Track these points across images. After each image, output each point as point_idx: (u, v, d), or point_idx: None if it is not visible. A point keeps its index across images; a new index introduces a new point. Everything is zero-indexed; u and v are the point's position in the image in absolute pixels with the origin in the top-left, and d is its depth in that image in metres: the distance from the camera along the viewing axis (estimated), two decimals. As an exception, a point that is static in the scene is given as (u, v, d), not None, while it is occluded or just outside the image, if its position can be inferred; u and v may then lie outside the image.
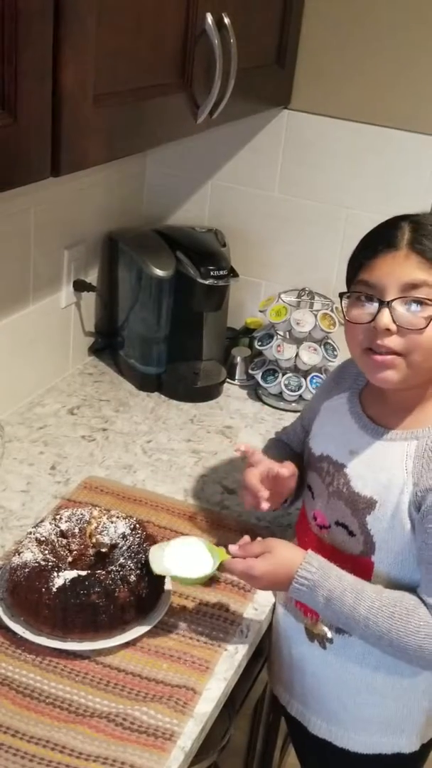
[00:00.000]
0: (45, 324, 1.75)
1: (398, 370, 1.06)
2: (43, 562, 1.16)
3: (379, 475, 1.11)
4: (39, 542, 1.20)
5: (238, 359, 1.94)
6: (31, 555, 1.17)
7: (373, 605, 1.08)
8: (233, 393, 1.91)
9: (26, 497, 1.45)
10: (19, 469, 1.53)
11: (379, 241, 1.07)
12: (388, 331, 1.04)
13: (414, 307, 1.04)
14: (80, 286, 1.81)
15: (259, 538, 1.16)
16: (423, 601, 1.09)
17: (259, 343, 1.87)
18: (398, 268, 1.04)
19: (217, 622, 1.21)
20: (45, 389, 1.80)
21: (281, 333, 1.84)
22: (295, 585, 1.10)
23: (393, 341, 1.05)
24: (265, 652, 1.35)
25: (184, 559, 1.17)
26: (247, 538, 1.17)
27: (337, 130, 1.81)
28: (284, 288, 1.88)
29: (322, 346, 1.83)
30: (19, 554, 1.18)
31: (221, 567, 1.15)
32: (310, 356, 1.82)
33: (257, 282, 1.99)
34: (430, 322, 1.03)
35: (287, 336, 1.83)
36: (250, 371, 1.90)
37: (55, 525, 1.24)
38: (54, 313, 1.77)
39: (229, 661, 1.16)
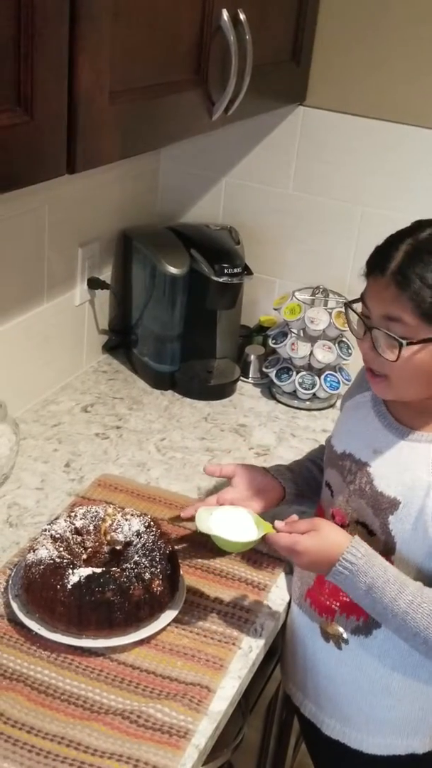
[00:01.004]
0: (59, 322, 1.75)
1: (388, 388, 1.09)
2: (58, 559, 1.16)
3: (403, 475, 1.10)
4: (54, 539, 1.21)
5: (252, 357, 1.94)
6: (46, 552, 1.17)
7: (414, 600, 1.06)
8: (247, 391, 1.91)
9: (41, 494, 1.46)
10: (33, 466, 1.53)
11: (375, 260, 1.06)
12: (368, 354, 1.07)
13: (389, 338, 1.04)
14: (94, 284, 1.81)
15: (296, 517, 1.16)
16: None
17: (273, 341, 1.86)
18: (380, 296, 1.04)
19: (231, 620, 1.21)
20: (59, 387, 1.80)
21: (295, 331, 1.83)
22: (338, 568, 1.08)
23: (375, 363, 1.07)
24: (278, 651, 1.35)
25: (229, 524, 1.16)
26: (294, 516, 1.16)
27: (352, 126, 1.80)
28: (298, 286, 1.88)
29: (337, 345, 1.82)
30: (34, 551, 1.19)
31: (264, 539, 1.14)
32: (324, 354, 1.81)
33: (271, 280, 1.99)
34: (398, 357, 1.03)
35: (301, 334, 1.83)
36: (263, 369, 1.90)
37: (70, 522, 1.24)
38: (68, 311, 1.78)
39: (243, 659, 1.16)
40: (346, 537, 1.11)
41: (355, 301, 1.09)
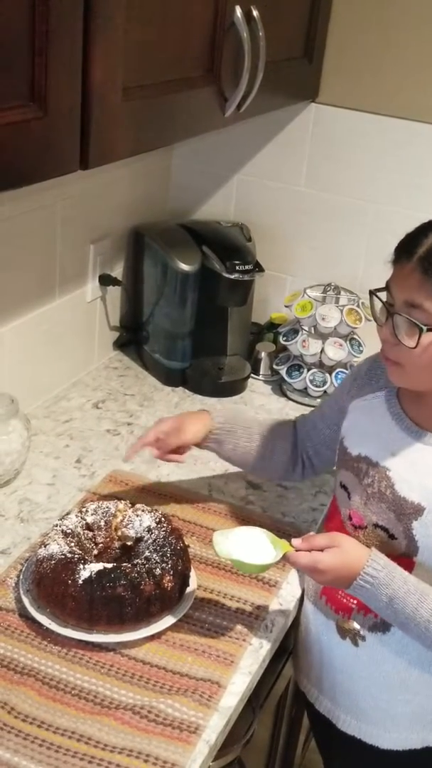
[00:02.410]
0: (70, 318, 1.75)
1: (403, 377, 1.09)
2: (69, 555, 1.16)
3: (425, 480, 1.10)
4: (65, 534, 1.21)
5: (263, 354, 1.94)
6: (57, 547, 1.18)
7: None
8: (258, 388, 1.90)
9: (52, 490, 1.46)
10: (45, 462, 1.54)
11: (403, 246, 1.06)
12: (388, 341, 1.07)
13: (410, 325, 1.04)
14: (106, 281, 1.82)
15: (314, 533, 1.16)
16: None
17: (284, 339, 1.86)
18: (404, 282, 1.04)
19: (242, 617, 1.21)
20: (70, 383, 1.81)
21: (306, 328, 1.83)
22: (360, 582, 1.08)
23: (390, 350, 1.07)
24: (289, 648, 1.35)
25: (247, 546, 1.15)
26: (312, 532, 1.17)
27: (365, 124, 1.80)
28: (310, 283, 1.87)
29: (348, 342, 1.82)
30: (45, 546, 1.19)
31: (284, 559, 1.13)
32: (335, 352, 1.81)
33: (282, 277, 1.99)
34: (418, 343, 1.03)
35: (312, 331, 1.83)
36: (274, 366, 1.90)
37: (81, 518, 1.24)
38: (79, 308, 1.78)
39: (253, 655, 1.16)
40: (365, 550, 1.10)
41: (381, 289, 1.09)
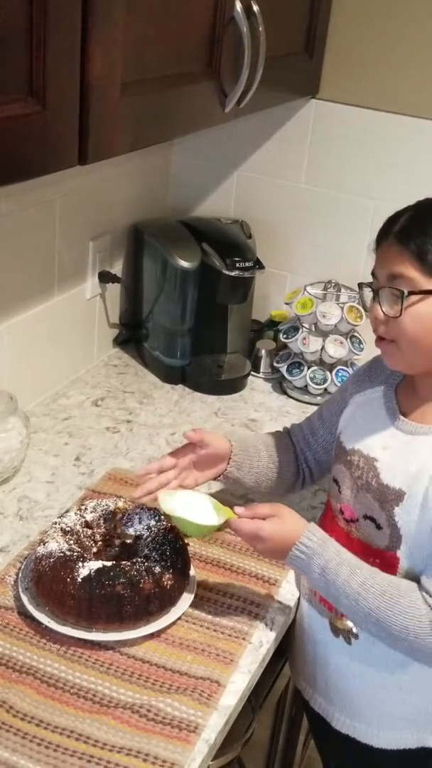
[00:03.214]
0: (70, 315, 1.75)
1: (396, 355, 1.10)
2: (68, 552, 1.16)
3: (409, 466, 1.10)
4: (64, 532, 1.20)
5: (263, 352, 1.93)
6: (56, 545, 1.17)
7: (366, 581, 1.08)
8: (258, 386, 1.90)
9: (51, 488, 1.46)
10: (44, 459, 1.53)
11: (380, 231, 1.10)
12: (377, 320, 1.09)
13: (392, 295, 1.06)
14: (105, 278, 1.81)
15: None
16: (423, 587, 1.08)
17: (285, 336, 1.85)
18: (385, 259, 1.08)
19: (241, 615, 1.20)
20: (70, 381, 1.80)
21: (307, 326, 1.82)
22: (295, 552, 1.10)
23: (382, 329, 1.09)
24: (288, 647, 1.34)
25: (191, 508, 1.15)
26: (255, 503, 1.17)
27: (366, 120, 1.79)
28: (310, 280, 1.87)
29: (349, 339, 1.81)
30: (44, 544, 1.18)
31: (226, 525, 1.14)
32: (336, 349, 1.80)
33: (283, 274, 1.98)
34: (402, 310, 1.05)
35: (313, 329, 1.82)
36: (275, 364, 1.89)
37: (80, 515, 1.24)
38: (79, 305, 1.77)
39: (253, 654, 1.15)
40: (303, 522, 1.13)
41: (369, 284, 1.12)
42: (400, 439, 1.13)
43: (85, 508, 1.25)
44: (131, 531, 1.23)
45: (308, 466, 1.36)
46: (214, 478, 1.29)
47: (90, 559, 1.16)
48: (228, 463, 1.28)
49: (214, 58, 1.29)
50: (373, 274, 1.11)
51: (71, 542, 1.19)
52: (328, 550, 1.11)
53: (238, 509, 1.14)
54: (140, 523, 1.24)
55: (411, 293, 1.04)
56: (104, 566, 1.14)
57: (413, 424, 1.13)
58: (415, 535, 1.10)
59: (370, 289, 1.11)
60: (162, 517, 1.25)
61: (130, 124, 1.12)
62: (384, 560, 1.13)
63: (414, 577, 1.11)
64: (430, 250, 1.03)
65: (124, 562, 1.15)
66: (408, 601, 1.07)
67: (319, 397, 1.83)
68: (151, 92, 1.15)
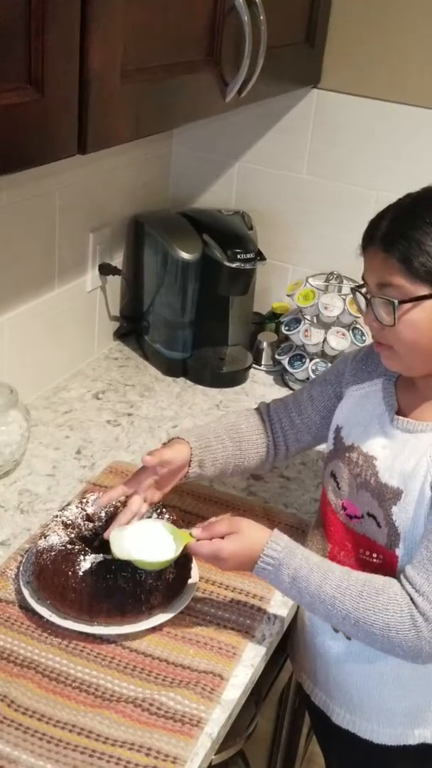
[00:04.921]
0: (70, 308, 1.74)
1: (395, 359, 1.09)
2: (69, 546, 1.15)
3: (405, 465, 1.09)
4: (65, 526, 1.20)
5: (265, 344, 1.92)
6: (57, 538, 1.16)
7: (341, 584, 1.06)
8: (259, 378, 1.89)
9: (52, 481, 1.45)
10: (44, 453, 1.52)
11: (365, 235, 1.08)
12: (373, 326, 1.07)
13: (385, 304, 1.04)
14: (106, 270, 1.80)
15: (223, 516, 1.15)
16: (407, 578, 1.05)
17: (287, 328, 1.84)
18: (372, 266, 1.06)
19: (244, 609, 1.20)
20: (70, 374, 1.79)
21: (309, 318, 1.81)
22: (261, 564, 1.08)
23: (378, 335, 1.08)
24: (289, 641, 1.34)
25: (147, 541, 1.13)
26: (212, 519, 1.15)
27: (368, 109, 1.78)
28: (312, 272, 1.86)
29: (351, 331, 1.80)
30: (45, 537, 1.18)
31: (186, 550, 1.12)
32: (338, 341, 1.79)
33: (284, 266, 1.97)
34: (395, 319, 1.03)
35: (315, 321, 1.81)
36: (276, 356, 1.88)
37: (82, 509, 1.23)
38: (79, 297, 1.76)
39: (256, 648, 1.15)
40: (266, 532, 1.10)
41: (361, 286, 1.10)
42: (399, 437, 1.12)
43: (87, 502, 1.24)
44: (133, 524, 1.22)
45: (286, 444, 1.33)
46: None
47: (91, 553, 1.15)
48: (189, 466, 1.24)
49: (215, 47, 1.27)
50: (363, 278, 1.09)
51: (72, 536, 1.18)
52: (295, 557, 1.08)
53: (195, 531, 1.12)
54: (142, 516, 1.23)
55: (402, 302, 1.02)
56: (105, 559, 1.13)
57: (412, 422, 1.11)
58: (412, 533, 1.08)
59: (362, 295, 1.09)
60: (163, 510, 1.24)
61: (130, 112, 1.11)
62: (385, 558, 1.12)
63: None
64: (415, 255, 1.00)
65: (125, 556, 1.14)
66: (387, 598, 1.04)
67: (321, 390, 1.82)
68: (151, 81, 1.14)
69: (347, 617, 1.06)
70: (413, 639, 1.03)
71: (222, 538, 1.10)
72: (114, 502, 1.24)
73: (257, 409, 1.36)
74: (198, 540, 1.11)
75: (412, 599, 1.04)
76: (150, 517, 1.22)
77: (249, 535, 1.10)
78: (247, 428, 1.31)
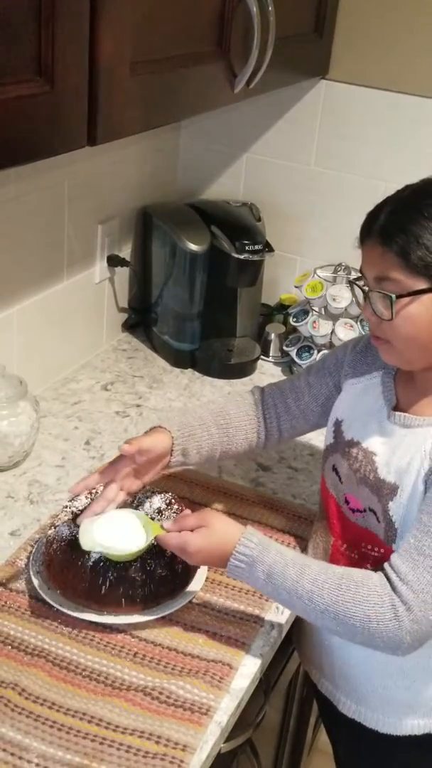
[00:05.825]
0: (79, 300, 1.74)
1: (393, 353, 1.08)
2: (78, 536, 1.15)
3: (401, 461, 1.09)
4: (75, 516, 1.20)
5: (273, 336, 1.92)
6: (67, 529, 1.17)
7: (318, 578, 1.04)
8: (267, 370, 1.89)
9: (61, 472, 1.46)
10: (54, 444, 1.53)
11: (362, 228, 1.07)
12: (371, 320, 1.07)
13: (382, 298, 1.03)
14: (114, 262, 1.80)
15: (189, 511, 1.15)
16: (392, 567, 1.03)
17: (294, 320, 1.84)
18: (370, 260, 1.05)
19: (252, 598, 1.20)
20: (79, 365, 1.80)
21: (317, 309, 1.81)
22: (234, 562, 1.06)
23: (376, 328, 1.07)
24: (296, 631, 1.34)
25: (116, 533, 1.13)
26: (187, 511, 1.15)
27: (376, 100, 1.77)
28: (320, 263, 1.85)
29: (359, 323, 1.80)
30: (55, 528, 1.19)
31: (155, 541, 1.12)
32: (346, 333, 1.79)
33: (292, 257, 1.97)
34: (393, 313, 1.02)
35: (323, 312, 1.81)
36: (284, 348, 1.88)
37: (91, 499, 1.24)
38: (88, 289, 1.77)
39: (264, 637, 1.15)
40: (237, 528, 1.08)
41: (359, 278, 1.10)
42: (396, 432, 1.11)
43: (96, 492, 1.25)
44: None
45: (279, 429, 1.31)
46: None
47: (101, 543, 1.16)
48: (171, 455, 1.22)
49: (224, 38, 1.27)
50: (361, 271, 1.08)
51: (82, 526, 1.19)
52: (269, 553, 1.06)
53: (166, 523, 1.12)
54: (151, 506, 1.23)
55: (400, 297, 1.01)
56: (115, 550, 1.13)
57: (408, 417, 1.10)
58: (407, 529, 1.08)
59: (360, 288, 1.08)
60: (173, 500, 1.24)
61: (139, 104, 1.11)
62: (386, 553, 1.11)
63: None
64: (413, 249, 0.99)
65: (135, 546, 1.15)
66: (367, 590, 1.02)
67: (329, 381, 1.82)
68: (160, 72, 1.14)
69: (326, 611, 1.03)
70: (394, 629, 1.01)
71: (193, 531, 1.09)
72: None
73: (251, 392, 1.34)
74: (168, 532, 1.11)
75: (394, 588, 1.02)
76: (158, 506, 1.23)
77: (219, 530, 1.08)
78: (236, 413, 1.29)
